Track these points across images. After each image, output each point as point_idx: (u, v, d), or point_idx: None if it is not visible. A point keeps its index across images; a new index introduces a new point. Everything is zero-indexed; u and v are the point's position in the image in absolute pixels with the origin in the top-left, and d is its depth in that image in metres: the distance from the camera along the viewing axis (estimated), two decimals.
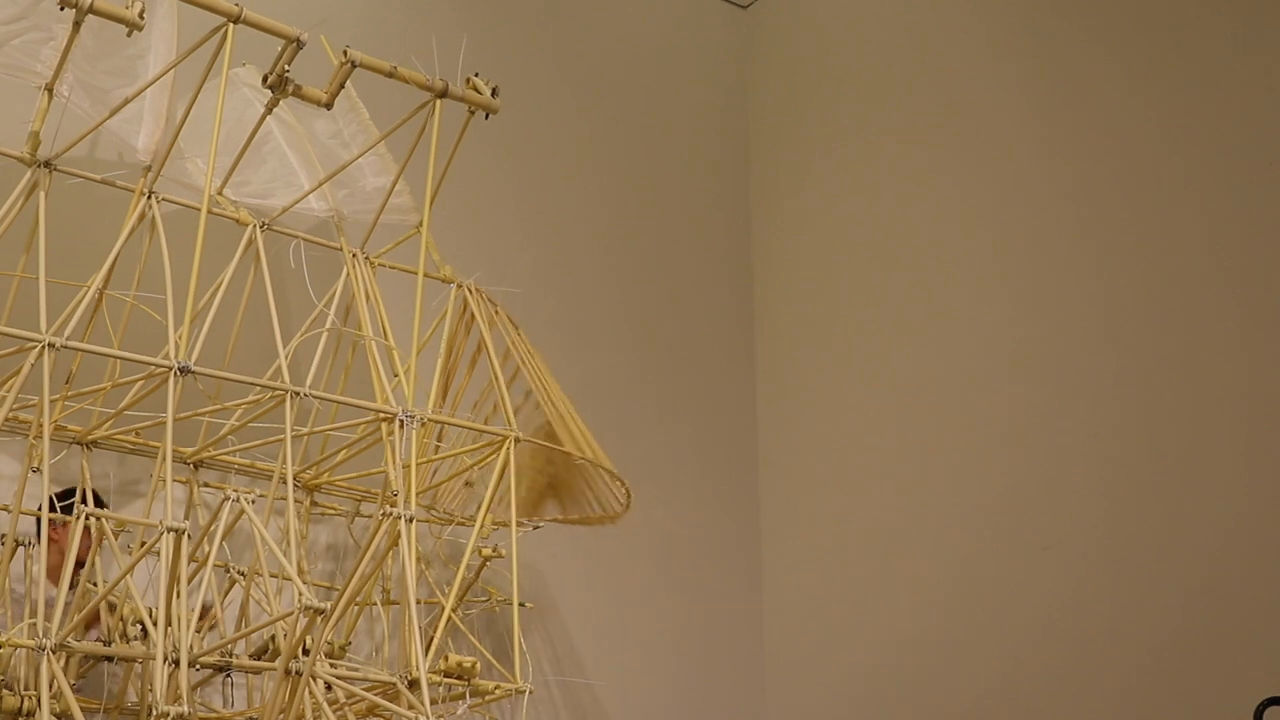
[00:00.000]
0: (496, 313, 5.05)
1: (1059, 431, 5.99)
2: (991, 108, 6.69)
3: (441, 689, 4.25)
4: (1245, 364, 5.38)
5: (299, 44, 4.01)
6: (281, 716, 3.68)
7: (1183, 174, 5.76)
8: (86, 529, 3.79)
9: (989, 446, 6.29)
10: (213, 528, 3.96)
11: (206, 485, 5.01)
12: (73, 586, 4.04)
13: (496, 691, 4.34)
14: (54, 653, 3.51)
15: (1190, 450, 5.48)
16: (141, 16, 3.77)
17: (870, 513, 6.79)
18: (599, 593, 6.55)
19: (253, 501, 3.89)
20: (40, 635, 3.53)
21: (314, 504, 5.39)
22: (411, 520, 3.93)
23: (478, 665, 4.24)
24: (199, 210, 4.08)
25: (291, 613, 3.64)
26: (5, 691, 3.83)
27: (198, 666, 3.89)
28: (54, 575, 4.15)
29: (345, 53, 4.19)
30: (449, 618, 4.35)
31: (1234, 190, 5.55)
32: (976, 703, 6.04)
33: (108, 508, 4.67)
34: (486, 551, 4.65)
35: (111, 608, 4.09)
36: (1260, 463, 5.23)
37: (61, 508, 4.33)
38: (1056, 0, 6.50)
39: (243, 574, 4.49)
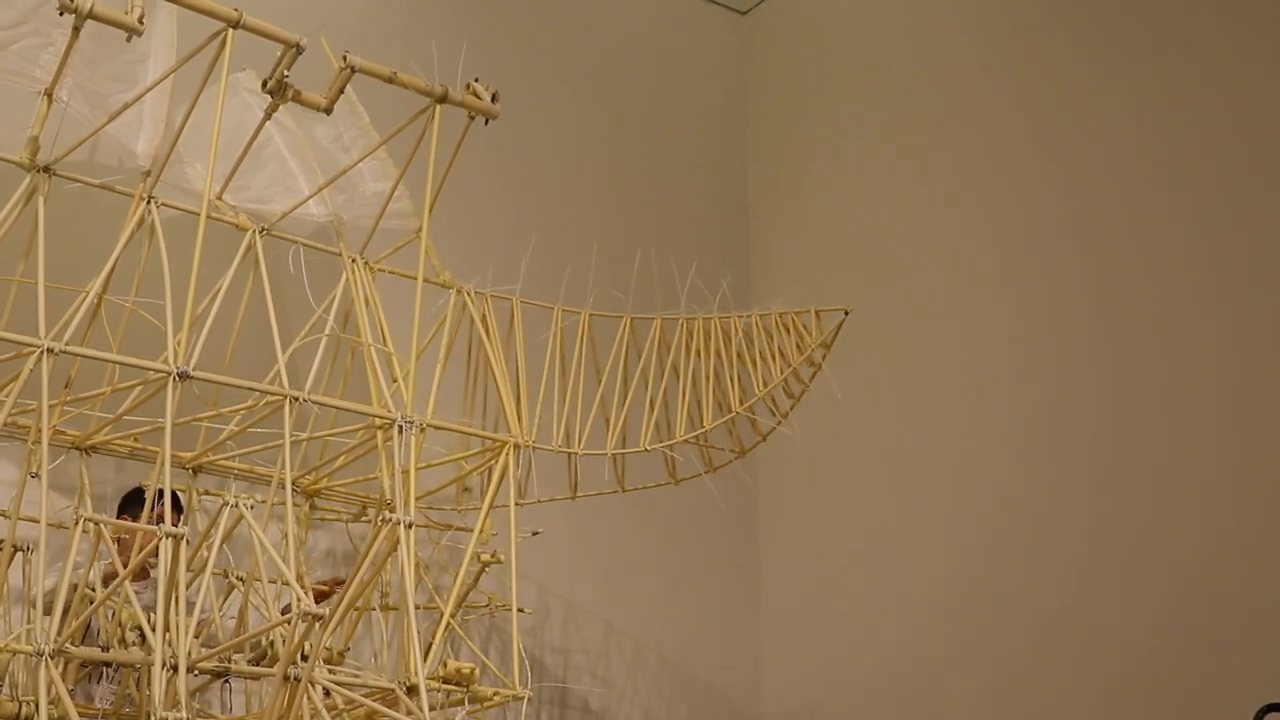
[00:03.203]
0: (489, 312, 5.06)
1: (1058, 434, 6.00)
2: (989, 112, 6.70)
3: (440, 695, 4.24)
4: (1243, 367, 5.39)
5: (298, 49, 4.00)
6: None
7: (1179, 179, 5.77)
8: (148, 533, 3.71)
9: (988, 448, 6.30)
10: (211, 533, 3.96)
11: (207, 493, 5.00)
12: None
13: (495, 698, 4.34)
14: (52, 658, 3.50)
15: (1190, 454, 5.48)
16: (141, 22, 3.76)
17: (869, 515, 6.80)
18: (597, 597, 6.55)
19: (251, 507, 3.88)
20: (38, 640, 3.52)
21: (313, 509, 5.39)
22: (410, 526, 3.92)
23: (476, 671, 4.24)
24: (198, 215, 4.07)
25: (290, 618, 3.64)
26: (3, 697, 3.83)
27: (196, 672, 3.88)
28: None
29: (345, 58, 4.18)
30: (448, 623, 4.34)
31: (1230, 195, 5.56)
32: (975, 705, 6.04)
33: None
34: (485, 557, 4.65)
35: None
36: (1259, 466, 5.23)
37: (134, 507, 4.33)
38: (1053, 7, 6.51)
39: (241, 579, 4.48)
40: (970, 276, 6.60)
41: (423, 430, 4.32)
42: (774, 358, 5.34)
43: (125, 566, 3.68)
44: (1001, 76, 6.70)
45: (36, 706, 3.44)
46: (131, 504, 4.60)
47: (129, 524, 4.06)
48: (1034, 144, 6.45)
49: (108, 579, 4.10)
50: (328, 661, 4.52)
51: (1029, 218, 6.37)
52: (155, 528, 3.59)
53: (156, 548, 3.55)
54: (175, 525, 3.63)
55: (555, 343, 5.18)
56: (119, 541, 4.17)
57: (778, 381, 5.32)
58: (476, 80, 4.57)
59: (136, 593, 3.89)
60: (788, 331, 5.39)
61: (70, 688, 4.02)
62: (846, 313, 5.34)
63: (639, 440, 5.19)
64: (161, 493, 3.82)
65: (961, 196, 6.75)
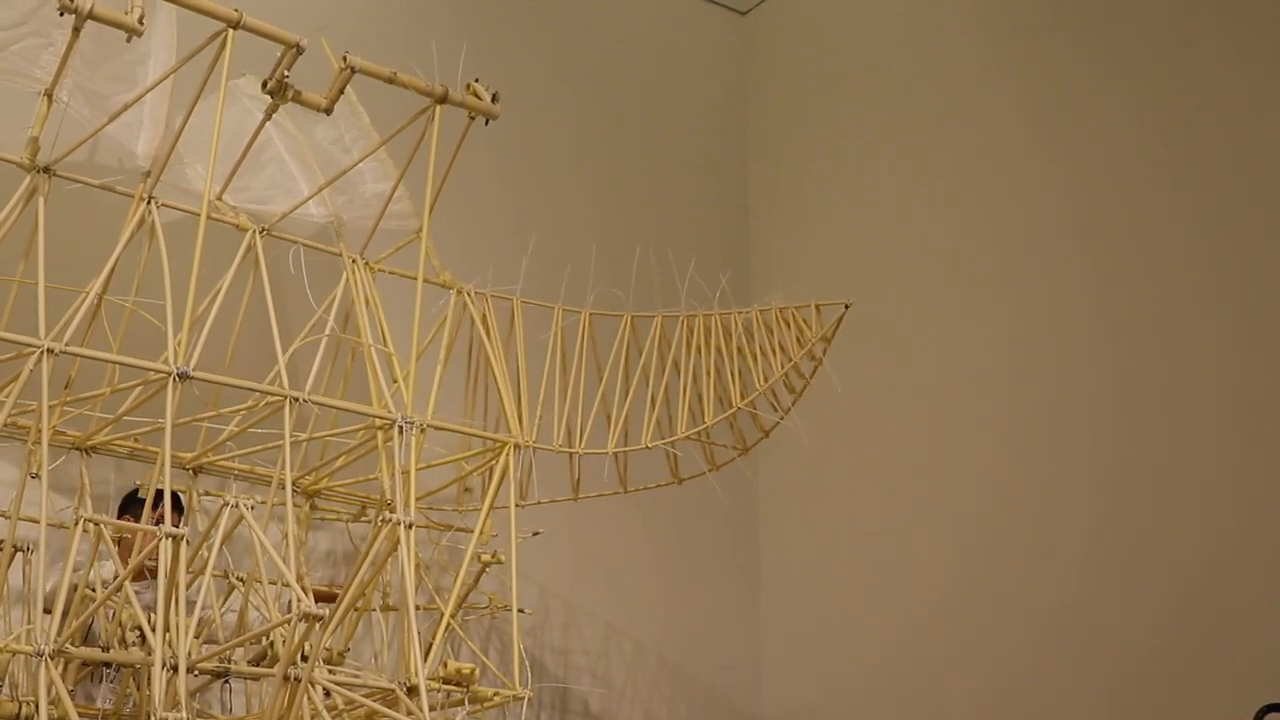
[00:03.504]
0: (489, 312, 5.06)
1: (1058, 434, 6.00)
2: (989, 112, 6.70)
3: (440, 695, 4.25)
4: (1243, 367, 5.38)
5: (298, 49, 4.00)
6: None
7: (1179, 179, 5.77)
8: (149, 534, 3.71)
9: (988, 448, 6.30)
10: (211, 534, 3.96)
11: (207, 494, 5.00)
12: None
13: (495, 698, 4.34)
14: (52, 658, 3.50)
15: (1190, 454, 5.48)
16: (141, 22, 3.76)
17: (870, 515, 6.79)
18: (598, 598, 6.55)
19: (252, 507, 3.88)
20: (38, 640, 3.52)
21: (313, 509, 5.39)
22: (411, 526, 3.92)
23: (476, 672, 4.24)
24: (198, 216, 4.07)
25: (290, 618, 3.64)
26: (3, 697, 3.83)
27: (196, 672, 3.88)
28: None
29: (345, 58, 4.18)
30: (448, 624, 4.35)
31: (1230, 195, 5.56)
32: (975, 705, 6.04)
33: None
34: (486, 558, 4.65)
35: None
36: (1259, 466, 5.23)
37: (136, 508, 4.34)
38: (1053, 7, 6.51)
39: (242, 580, 4.49)
40: (970, 276, 6.60)
41: (423, 431, 4.32)
42: (774, 352, 5.34)
43: (126, 567, 3.68)
44: (1001, 76, 6.70)
45: (36, 707, 3.45)
46: (132, 504, 4.60)
47: (129, 524, 4.06)
48: (1034, 144, 6.45)
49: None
50: (328, 662, 4.52)
51: (1029, 218, 6.37)
52: (155, 528, 3.59)
53: (156, 548, 3.55)
54: (176, 526, 3.63)
55: (556, 342, 5.18)
56: (119, 542, 4.17)
57: (779, 375, 5.32)
58: (476, 80, 4.57)
59: (137, 593, 3.89)
60: (788, 326, 5.39)
61: (70, 688, 4.02)
62: (847, 306, 5.35)
63: (640, 438, 5.19)
64: (161, 493, 3.82)
65: (961, 196, 6.75)
